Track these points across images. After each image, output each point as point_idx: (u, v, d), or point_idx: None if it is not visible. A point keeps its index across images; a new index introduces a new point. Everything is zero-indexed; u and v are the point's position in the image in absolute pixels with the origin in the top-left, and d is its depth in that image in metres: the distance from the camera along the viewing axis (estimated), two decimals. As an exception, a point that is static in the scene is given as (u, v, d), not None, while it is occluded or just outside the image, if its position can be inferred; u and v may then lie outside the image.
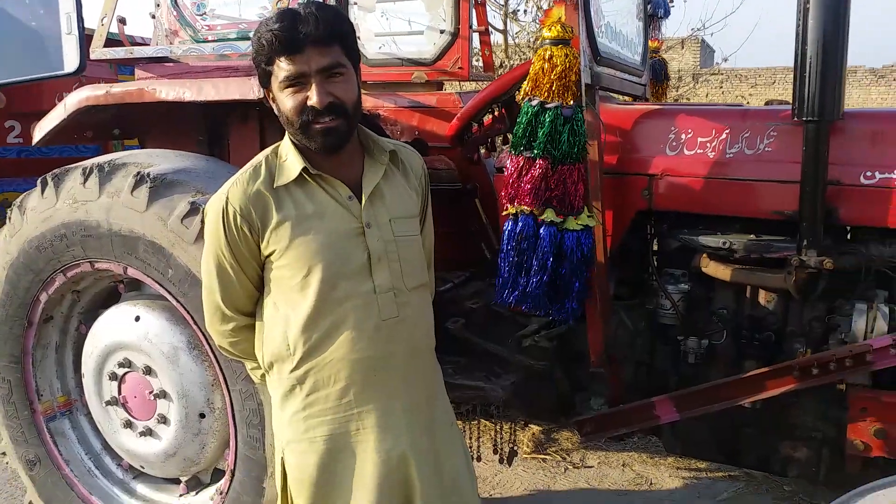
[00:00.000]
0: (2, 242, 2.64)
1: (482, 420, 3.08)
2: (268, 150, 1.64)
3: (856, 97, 18.02)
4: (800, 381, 2.08)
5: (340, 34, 1.54)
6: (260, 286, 1.64)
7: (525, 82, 2.17)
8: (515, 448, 2.81)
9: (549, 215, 2.16)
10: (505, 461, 2.78)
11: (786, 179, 2.13)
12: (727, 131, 2.25)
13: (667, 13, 3.32)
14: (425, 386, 1.71)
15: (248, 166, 1.62)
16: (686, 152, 2.32)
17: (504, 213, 2.24)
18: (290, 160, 1.59)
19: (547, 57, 2.09)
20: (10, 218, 2.61)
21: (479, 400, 2.62)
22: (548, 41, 2.09)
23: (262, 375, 1.73)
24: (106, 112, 2.71)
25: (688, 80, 8.84)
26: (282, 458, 1.68)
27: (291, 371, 1.61)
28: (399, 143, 1.76)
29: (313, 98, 1.50)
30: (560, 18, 2.08)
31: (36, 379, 2.73)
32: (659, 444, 3.07)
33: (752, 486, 3.26)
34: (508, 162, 2.22)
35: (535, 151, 2.13)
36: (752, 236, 2.24)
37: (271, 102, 1.59)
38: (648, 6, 3.19)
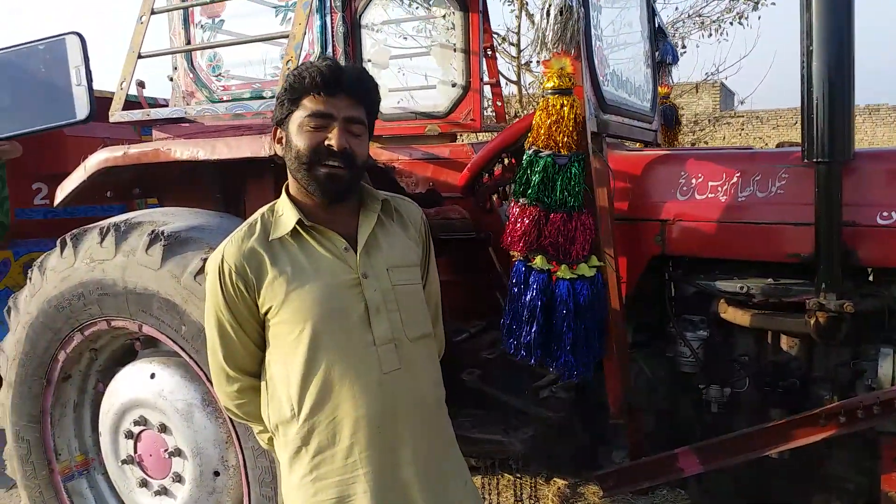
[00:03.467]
0: (22, 303, 2.68)
1: (504, 475, 3.01)
2: (264, 208, 1.65)
3: (881, 135, 17.82)
4: (826, 429, 2.01)
5: (371, 101, 1.62)
6: (262, 345, 1.63)
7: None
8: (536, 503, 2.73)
9: (538, 262, 2.15)
10: (526, 517, 2.70)
11: (800, 221, 2.09)
12: (738, 175, 2.23)
13: (675, 59, 3.34)
14: (435, 440, 1.66)
15: (245, 224, 1.63)
16: (697, 197, 2.30)
17: (513, 259, 2.24)
18: (286, 214, 1.59)
19: (545, 107, 2.11)
20: (30, 278, 2.66)
21: (497, 454, 2.56)
22: (548, 91, 2.11)
23: (270, 439, 1.70)
24: (126, 172, 2.78)
25: (704, 125, 8.81)
26: None
27: (296, 432, 1.57)
28: (396, 196, 1.75)
29: (332, 139, 1.52)
30: (561, 69, 2.09)
31: (54, 438, 2.73)
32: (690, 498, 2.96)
33: (787, 541, 3.11)
34: (510, 209, 2.23)
35: (529, 199, 2.14)
36: (771, 280, 2.20)
37: (276, 143, 1.62)
38: (657, 53, 3.21)
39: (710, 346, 2.37)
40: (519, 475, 2.66)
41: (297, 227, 1.57)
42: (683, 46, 7.41)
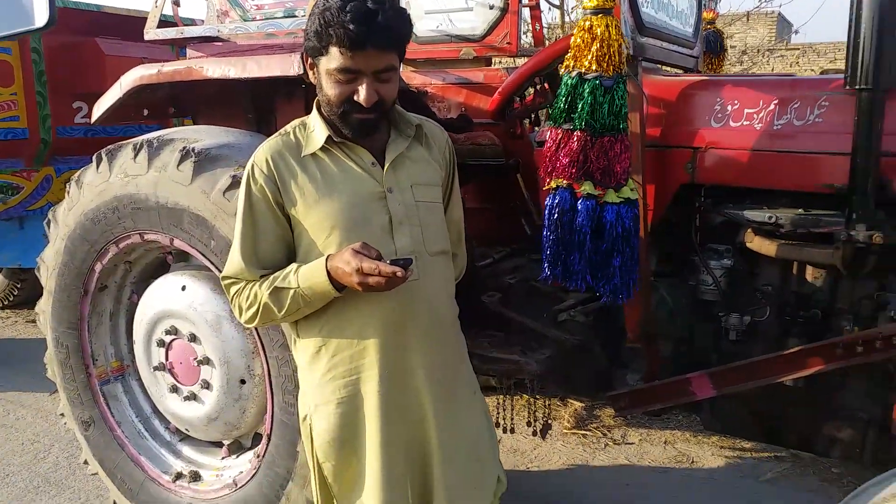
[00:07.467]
0: (61, 215, 2.78)
1: (521, 395, 3.08)
2: (296, 122, 1.68)
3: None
4: (843, 359, 1.99)
5: (402, 39, 1.57)
6: (282, 244, 1.65)
7: (567, 55, 2.13)
8: (550, 422, 2.80)
9: (587, 188, 2.11)
10: (539, 434, 2.77)
11: (837, 151, 2.03)
12: (775, 102, 2.16)
13: (721, -18, 3.18)
14: (447, 351, 1.73)
15: (277, 133, 1.67)
16: (732, 124, 2.23)
17: (545, 188, 2.20)
18: (317, 131, 1.62)
19: (587, 27, 2.04)
20: (68, 192, 2.75)
21: (514, 373, 2.62)
22: (588, 11, 2.04)
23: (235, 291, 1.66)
24: (161, 91, 2.81)
25: (753, 55, 8.43)
26: (309, 424, 1.72)
27: (318, 331, 1.65)
28: (423, 118, 1.76)
29: (361, 95, 1.52)
30: None
31: (91, 345, 2.86)
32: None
33: (797, 468, 3.16)
34: (548, 135, 2.18)
35: (575, 124, 2.08)
36: (801, 211, 2.15)
37: (309, 69, 1.61)
38: (702, -24, 3.07)
39: (734, 276, 2.35)
40: (535, 396, 2.73)
41: (327, 143, 1.61)
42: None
